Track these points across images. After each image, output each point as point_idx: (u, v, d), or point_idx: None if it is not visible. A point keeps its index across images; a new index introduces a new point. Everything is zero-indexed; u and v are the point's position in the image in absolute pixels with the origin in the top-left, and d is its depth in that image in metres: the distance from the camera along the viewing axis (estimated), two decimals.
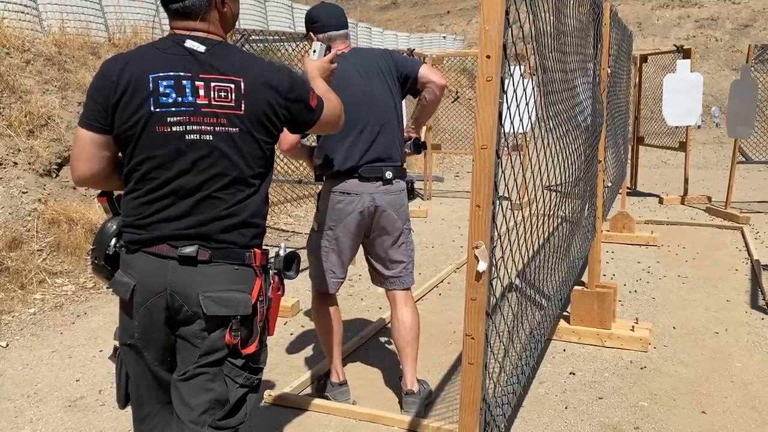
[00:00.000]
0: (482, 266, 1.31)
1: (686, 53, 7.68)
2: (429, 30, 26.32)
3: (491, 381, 1.51)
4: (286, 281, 1.76)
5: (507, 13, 1.24)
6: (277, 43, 5.77)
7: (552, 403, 3.02)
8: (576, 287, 3.72)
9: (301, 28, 14.81)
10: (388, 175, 2.67)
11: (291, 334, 3.97)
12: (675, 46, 8.02)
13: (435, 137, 8.97)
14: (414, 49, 8.05)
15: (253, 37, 4.43)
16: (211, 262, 1.59)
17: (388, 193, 2.71)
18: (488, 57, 1.22)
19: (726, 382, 3.21)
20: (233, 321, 1.59)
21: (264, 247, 1.72)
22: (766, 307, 4.24)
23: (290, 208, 7.63)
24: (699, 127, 17.15)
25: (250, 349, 1.64)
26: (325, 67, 2.08)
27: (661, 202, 8.08)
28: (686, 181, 8.05)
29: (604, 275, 4.93)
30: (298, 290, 4.79)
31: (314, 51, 2.12)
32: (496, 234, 1.38)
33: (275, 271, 1.73)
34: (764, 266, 5.12)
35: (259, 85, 1.58)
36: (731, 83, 7.09)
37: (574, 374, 3.31)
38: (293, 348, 3.76)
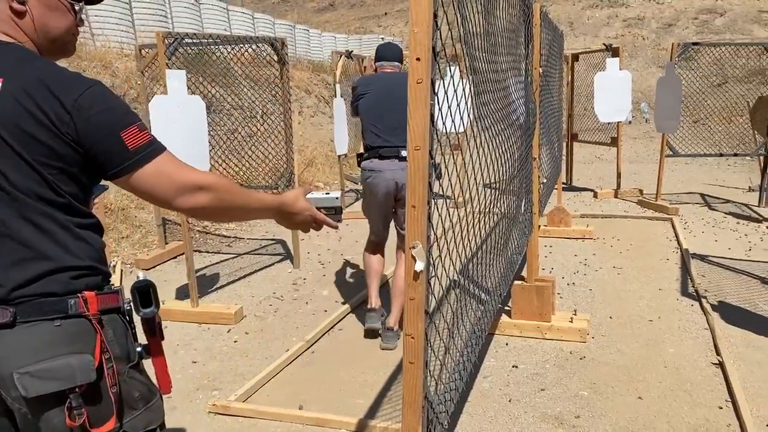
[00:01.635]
0: (419, 266, 1.33)
1: (615, 52, 7.95)
2: (367, 32, 26.41)
3: (432, 379, 1.53)
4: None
5: (435, 15, 1.26)
6: (213, 46, 5.66)
7: (496, 396, 3.08)
8: (516, 282, 3.81)
9: (237, 30, 14.50)
10: (403, 153, 3.33)
11: (235, 342, 3.91)
12: (604, 45, 8.30)
13: None
14: (352, 51, 8.06)
15: (187, 40, 4.34)
16: (15, 324, 1.20)
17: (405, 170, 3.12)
18: (418, 59, 1.24)
19: (660, 367, 3.34)
20: (70, 397, 1.21)
21: (114, 286, 1.35)
22: (695, 293, 4.44)
23: None
24: (630, 122, 17.86)
25: (106, 428, 1.26)
26: (311, 214, 1.50)
27: (595, 196, 8.34)
28: (619, 175, 8.34)
29: (543, 269, 5.07)
30: (241, 296, 4.73)
31: (324, 193, 1.57)
32: (432, 233, 1.40)
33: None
34: (693, 255, 5.36)
35: (25, 86, 1.19)
36: (657, 80, 7.39)
37: (516, 367, 3.38)
38: (237, 356, 3.70)
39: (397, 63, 3.80)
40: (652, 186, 7.83)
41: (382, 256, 3.92)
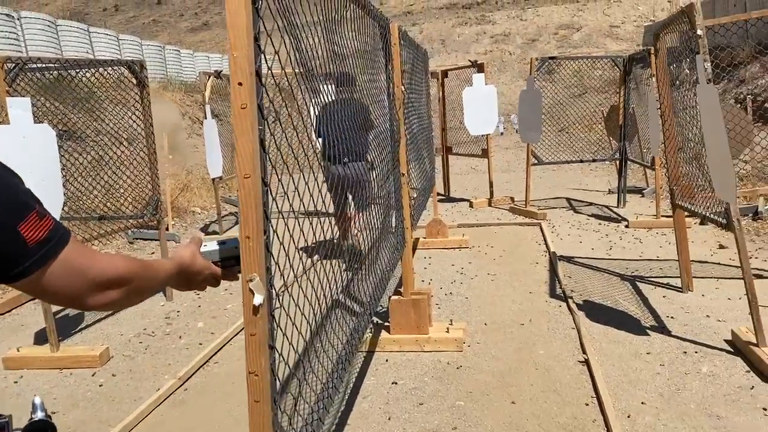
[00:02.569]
0: (258, 299, 1.26)
1: (480, 68, 8.30)
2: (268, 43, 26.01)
3: (285, 415, 1.46)
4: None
5: (257, 39, 1.22)
6: (72, 71, 5.30)
7: (376, 416, 3.05)
8: (393, 297, 3.83)
9: (101, 52, 13.72)
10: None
11: (100, 386, 3.63)
12: (470, 61, 8.64)
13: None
14: (222, 71, 7.86)
15: (31, 64, 4.02)
16: None
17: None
18: (240, 84, 1.19)
19: (531, 370, 3.47)
20: None
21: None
22: (562, 294, 4.67)
23: (99, 245, 7.05)
24: (502, 133, 18.73)
25: None
26: (211, 272, 1.28)
27: (471, 205, 8.63)
28: (491, 184, 8.68)
29: (423, 280, 5.15)
30: (109, 336, 4.42)
31: (219, 242, 1.30)
32: (273, 263, 1.34)
33: None
34: (560, 257, 5.65)
35: None
36: (520, 94, 7.79)
37: (396, 383, 3.38)
38: (103, 401, 3.44)
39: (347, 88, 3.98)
40: (523, 193, 8.22)
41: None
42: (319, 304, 1.95)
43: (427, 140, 6.14)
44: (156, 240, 7.02)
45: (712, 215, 3.75)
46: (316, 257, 1.78)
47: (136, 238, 7.49)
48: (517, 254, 5.96)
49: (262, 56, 1.25)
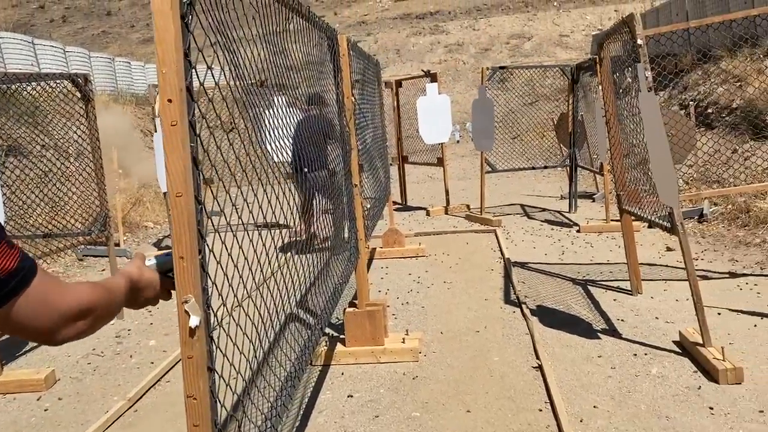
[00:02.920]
0: (194, 321, 1.23)
1: (433, 77, 8.37)
2: (198, 62, 25.67)
3: None
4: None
5: (187, 54, 1.19)
6: (16, 84, 5.13)
7: (331, 430, 3.02)
8: (348, 309, 3.80)
9: (47, 66, 13.39)
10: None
11: (45, 410, 3.50)
12: (423, 71, 8.71)
13: (207, 171, 8.68)
14: None
15: None
16: None
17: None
18: (170, 101, 1.16)
19: (486, 377, 3.48)
20: None
21: None
22: (516, 300, 4.71)
23: (46, 263, 6.83)
24: (458, 141, 18.92)
25: None
26: (147, 284, 1.20)
27: (428, 214, 8.67)
28: (447, 192, 8.75)
29: (380, 290, 5.14)
30: (55, 358, 4.28)
31: (165, 253, 1.26)
32: (210, 283, 1.31)
33: None
34: (514, 263, 5.72)
35: None
36: (472, 103, 7.88)
37: (352, 396, 3.35)
38: (48, 426, 3.31)
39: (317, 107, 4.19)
40: (479, 201, 8.31)
41: None
42: (270, 319, 1.92)
43: (381, 150, 6.15)
44: (106, 256, 6.83)
45: (657, 219, 3.85)
46: (270, 270, 1.75)
47: (86, 255, 7.29)
48: (473, 261, 6.00)
49: (193, 72, 1.23)
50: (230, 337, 1.45)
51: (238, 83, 1.57)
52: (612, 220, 6.94)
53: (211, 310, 1.32)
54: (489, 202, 8.60)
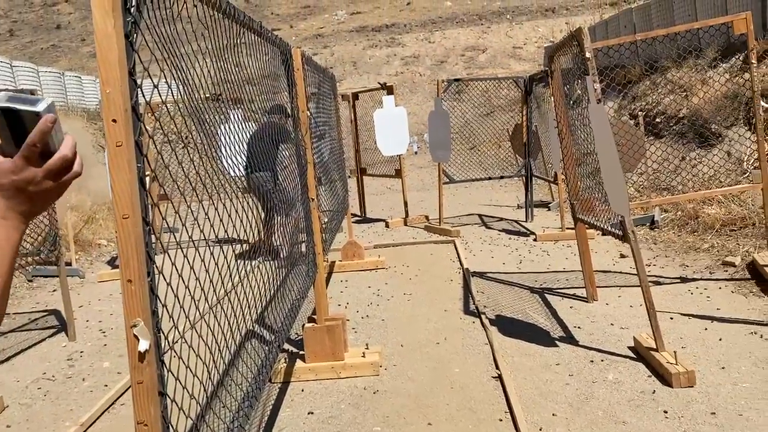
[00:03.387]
0: (144, 345, 1.20)
1: (389, 89, 8.42)
2: (146, 76, 25.28)
3: None
4: None
5: (132, 74, 1.17)
6: None
7: None
8: (307, 324, 3.77)
9: None
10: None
11: None
12: (379, 83, 8.75)
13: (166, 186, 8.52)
14: None
15: None
16: None
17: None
18: (114, 121, 1.13)
19: (447, 389, 3.49)
20: None
21: None
22: (475, 310, 4.75)
23: None
24: (416, 153, 19.04)
25: None
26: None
27: (387, 226, 8.69)
28: (405, 204, 8.78)
29: (339, 304, 5.11)
30: (3, 383, 4.12)
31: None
32: (160, 306, 1.28)
33: None
34: (473, 273, 5.77)
35: None
36: (428, 114, 7.94)
37: (312, 413, 3.32)
38: None
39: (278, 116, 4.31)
40: (438, 211, 8.36)
41: None
42: (225, 339, 1.88)
43: (339, 162, 6.14)
44: (56, 276, 6.63)
45: (609, 228, 3.94)
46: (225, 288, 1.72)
47: (35, 276, 7.05)
48: (433, 272, 6.03)
49: (139, 91, 1.20)
50: (183, 360, 1.42)
51: (189, 98, 1.54)
52: (567, 229, 7.07)
53: (161, 334, 1.29)
54: (448, 212, 8.67)
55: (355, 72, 26.75)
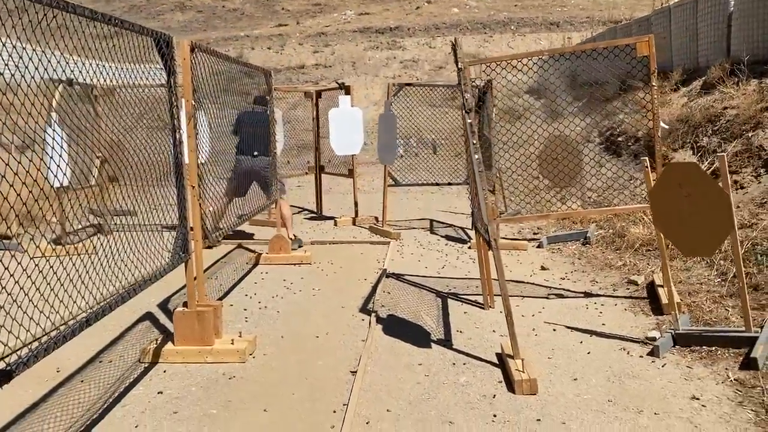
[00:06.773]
0: None
1: (347, 89, 8.52)
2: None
3: None
4: None
5: None
6: None
7: (124, 424, 3.07)
8: (177, 309, 3.87)
9: None
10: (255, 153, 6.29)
11: None
12: (336, 82, 8.86)
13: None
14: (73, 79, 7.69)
15: None
16: None
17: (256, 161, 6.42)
18: None
19: (301, 380, 3.58)
20: None
21: None
22: (371, 309, 4.83)
23: None
24: (401, 156, 19.05)
25: None
26: None
27: (335, 224, 8.78)
28: (356, 204, 8.88)
29: (246, 294, 5.22)
30: None
31: None
32: None
33: None
34: (389, 274, 5.86)
35: None
36: (379, 117, 8.04)
37: (161, 393, 3.41)
38: None
39: (262, 106, 6.43)
40: (391, 213, 8.46)
41: None
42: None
43: (268, 160, 6.25)
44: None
45: (486, 236, 4.02)
46: None
47: None
48: (353, 271, 6.12)
49: None
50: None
51: None
52: (504, 238, 7.14)
53: None
54: (403, 215, 8.77)
55: (353, 72, 26.87)
